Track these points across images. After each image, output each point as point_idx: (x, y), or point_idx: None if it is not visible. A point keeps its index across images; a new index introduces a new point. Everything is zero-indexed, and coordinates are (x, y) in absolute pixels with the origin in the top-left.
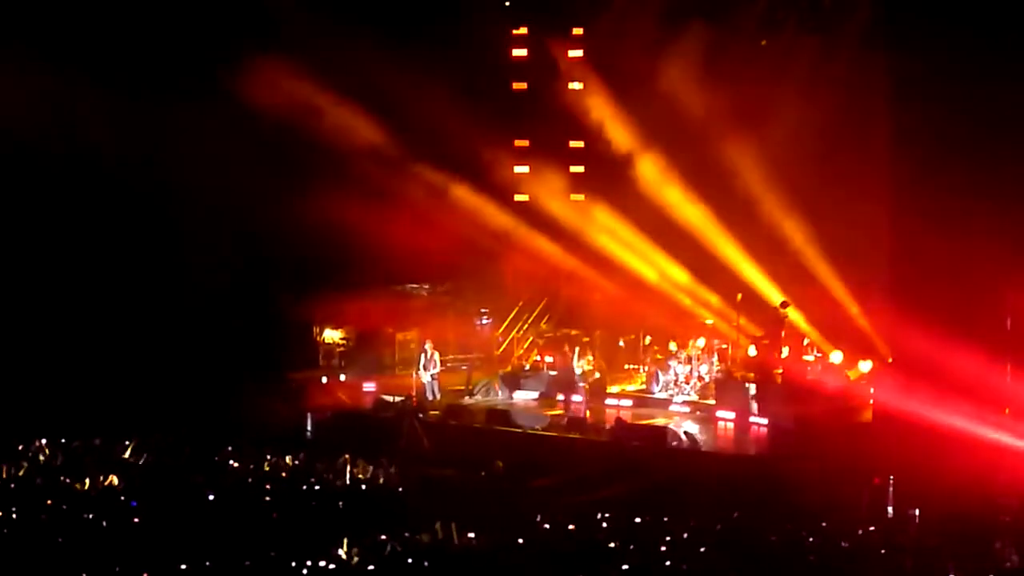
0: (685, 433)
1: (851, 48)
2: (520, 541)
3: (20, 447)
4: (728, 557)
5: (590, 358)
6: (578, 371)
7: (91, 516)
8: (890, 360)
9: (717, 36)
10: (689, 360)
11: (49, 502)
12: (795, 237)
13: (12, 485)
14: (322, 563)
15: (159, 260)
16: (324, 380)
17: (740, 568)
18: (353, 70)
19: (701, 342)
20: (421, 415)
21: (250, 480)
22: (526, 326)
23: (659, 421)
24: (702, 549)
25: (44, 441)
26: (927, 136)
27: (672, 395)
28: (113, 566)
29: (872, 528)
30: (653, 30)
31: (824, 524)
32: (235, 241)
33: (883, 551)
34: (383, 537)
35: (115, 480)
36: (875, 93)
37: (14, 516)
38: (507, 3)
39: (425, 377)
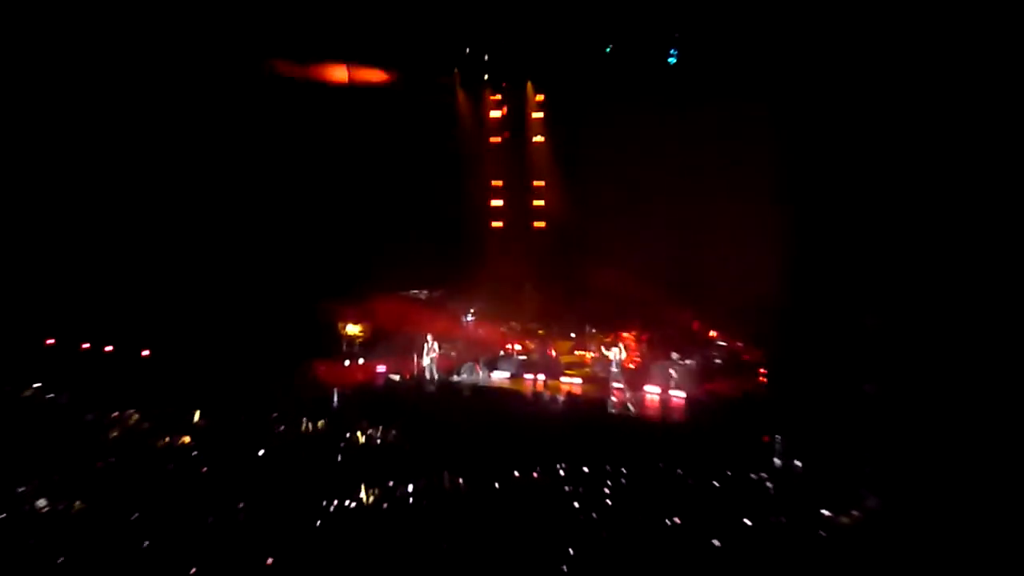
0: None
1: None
2: (496, 485)
3: (116, 415)
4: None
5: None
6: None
7: (171, 467)
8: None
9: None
10: (623, 347)
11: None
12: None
13: (113, 443)
14: (347, 502)
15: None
16: (347, 363)
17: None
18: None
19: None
20: (421, 390)
21: (290, 439)
22: (501, 322)
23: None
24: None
25: (133, 410)
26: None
27: (612, 374)
28: (189, 503)
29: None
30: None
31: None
32: (282, 260)
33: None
34: (391, 483)
35: (187, 439)
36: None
37: (114, 467)
38: (486, 77)
39: (425, 361)
